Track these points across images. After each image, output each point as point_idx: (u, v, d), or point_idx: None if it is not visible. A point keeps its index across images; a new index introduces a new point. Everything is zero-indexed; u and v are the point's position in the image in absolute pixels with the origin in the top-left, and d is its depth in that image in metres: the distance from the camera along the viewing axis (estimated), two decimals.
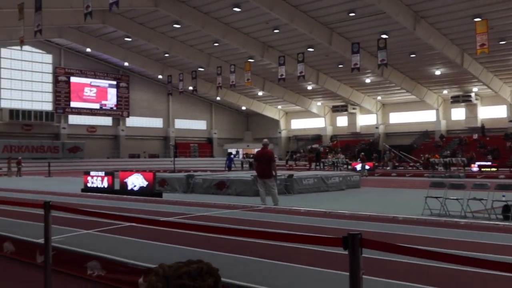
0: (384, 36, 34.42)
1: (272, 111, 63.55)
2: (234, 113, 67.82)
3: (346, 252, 2.78)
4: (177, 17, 38.53)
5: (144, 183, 17.39)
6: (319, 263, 5.71)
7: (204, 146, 64.44)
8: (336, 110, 57.44)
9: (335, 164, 42.64)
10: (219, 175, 21.85)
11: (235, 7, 36.16)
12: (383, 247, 2.97)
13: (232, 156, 49.47)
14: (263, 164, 13.88)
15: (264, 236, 4.38)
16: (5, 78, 49.06)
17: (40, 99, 51.69)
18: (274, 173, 13.83)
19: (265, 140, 14.88)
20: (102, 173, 19.51)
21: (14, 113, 48.31)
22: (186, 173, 22.44)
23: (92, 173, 19.95)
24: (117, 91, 56.93)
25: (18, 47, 44.53)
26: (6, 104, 48.69)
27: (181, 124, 62.73)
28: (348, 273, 2.75)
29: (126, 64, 53.69)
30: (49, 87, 52.45)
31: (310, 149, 55.07)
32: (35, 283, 6.02)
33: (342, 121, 59.00)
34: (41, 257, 6.55)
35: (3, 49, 48.23)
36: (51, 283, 4.93)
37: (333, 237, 2.96)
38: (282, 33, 39.71)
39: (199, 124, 64.94)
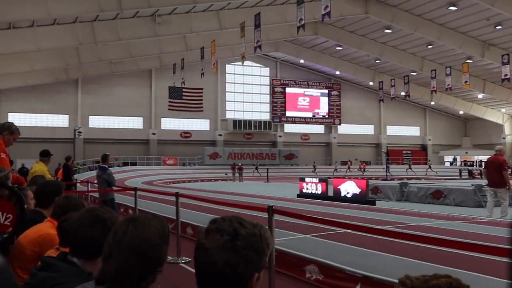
0: None
1: (495, 115, 58.19)
2: (450, 118, 63.91)
3: None
4: (388, 22, 37.92)
5: (357, 190, 17.40)
6: None
7: (418, 153, 61.96)
8: None
9: None
10: (435, 184, 20.76)
11: (451, 6, 34.16)
12: None
13: None
14: (492, 172, 12.72)
15: (493, 251, 3.98)
16: (229, 92, 54.06)
17: (259, 110, 55.67)
18: (507, 183, 12.54)
19: (499, 146, 13.54)
20: (316, 180, 20.11)
21: (237, 123, 52.86)
22: (399, 181, 21.84)
23: (307, 179, 20.69)
24: (329, 100, 58.26)
25: (240, 63, 48.75)
26: (230, 115, 53.57)
27: (393, 130, 61.40)
28: None
29: (337, 72, 54.67)
30: (267, 98, 56.16)
31: None
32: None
33: None
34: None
35: (227, 65, 53.22)
36: (274, 282, 5.22)
37: None
38: (505, 29, 36.21)
39: (412, 131, 62.72)
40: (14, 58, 31.82)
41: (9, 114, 41.57)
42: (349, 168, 50.44)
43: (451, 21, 37.33)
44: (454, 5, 34.11)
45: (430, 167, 52.11)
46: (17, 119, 41.00)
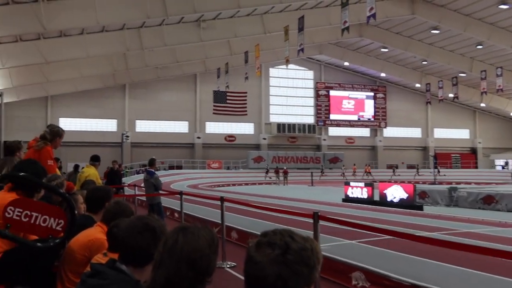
0: None
1: None
2: (501, 120, 61.78)
3: None
4: (436, 22, 37.12)
5: (404, 195, 17.06)
6: None
7: (467, 157, 60.18)
8: None
9: None
10: (486, 188, 20.11)
11: (502, 5, 33.14)
12: None
13: None
14: None
15: None
16: (273, 95, 54.09)
17: (303, 113, 55.43)
18: None
19: None
20: (361, 184, 19.84)
21: (281, 127, 52.82)
22: (448, 186, 21.28)
23: (352, 183, 20.45)
24: (374, 102, 57.45)
25: (284, 66, 48.70)
26: (274, 119, 53.57)
27: (441, 133, 59.90)
28: None
29: (383, 74, 53.86)
30: (311, 101, 55.87)
31: None
32: None
33: None
34: None
35: (271, 69, 53.28)
36: None
37: None
38: None
39: (461, 133, 60.99)
40: (65, 65, 32.87)
41: (60, 119, 42.92)
42: (354, 172, 48.25)
43: (502, 20, 36.17)
44: (505, 3, 33.04)
45: (439, 171, 49.48)
46: (68, 123, 42.31)
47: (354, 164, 50.47)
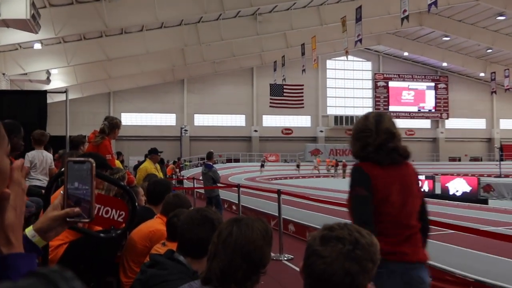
0: None
1: None
2: None
3: None
4: (501, 8, 35.53)
5: (468, 188, 16.50)
6: None
7: None
8: None
9: None
10: None
11: None
12: None
13: None
14: None
15: None
16: (330, 87, 53.54)
17: (361, 105, 54.55)
18: None
19: None
20: (422, 177, 19.34)
21: (338, 119, 52.24)
22: None
23: None
24: (435, 93, 55.73)
25: (341, 58, 48.09)
26: (331, 111, 53.06)
27: (507, 124, 57.34)
28: None
29: (444, 64, 52.17)
30: (369, 93, 54.91)
31: None
32: None
33: None
34: None
35: (328, 61, 52.69)
36: None
37: None
38: None
39: None
40: (126, 61, 33.81)
41: (122, 114, 44.21)
42: (317, 165, 43.57)
43: None
44: None
45: None
46: (129, 118, 43.63)
47: (319, 157, 47.32)
